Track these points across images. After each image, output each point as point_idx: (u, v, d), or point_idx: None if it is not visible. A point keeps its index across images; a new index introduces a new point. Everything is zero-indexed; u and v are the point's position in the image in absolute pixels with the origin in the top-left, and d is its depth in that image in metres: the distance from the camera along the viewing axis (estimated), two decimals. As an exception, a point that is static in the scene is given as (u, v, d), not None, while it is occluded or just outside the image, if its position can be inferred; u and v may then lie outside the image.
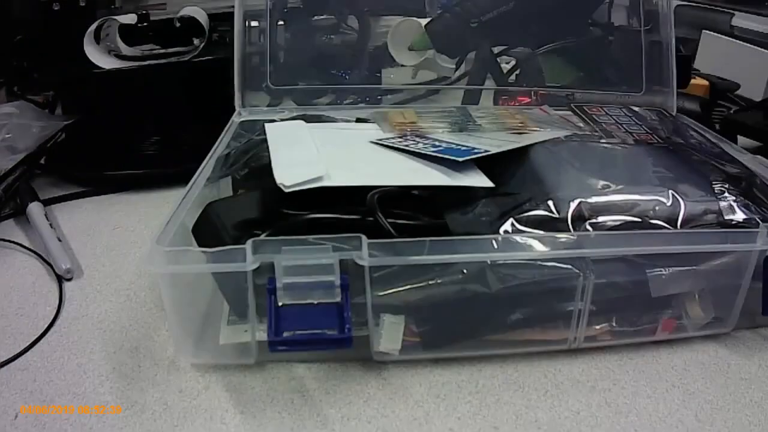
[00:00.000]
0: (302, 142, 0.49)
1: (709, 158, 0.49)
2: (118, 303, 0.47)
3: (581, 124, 0.55)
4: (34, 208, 0.58)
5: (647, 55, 0.64)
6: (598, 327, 0.41)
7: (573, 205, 0.41)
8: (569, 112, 0.59)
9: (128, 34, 0.71)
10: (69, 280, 0.50)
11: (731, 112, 0.75)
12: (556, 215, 0.40)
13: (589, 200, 0.41)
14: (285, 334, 0.35)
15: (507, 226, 0.40)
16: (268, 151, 0.46)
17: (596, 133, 0.53)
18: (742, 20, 0.89)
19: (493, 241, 0.37)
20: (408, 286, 0.38)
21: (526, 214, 0.40)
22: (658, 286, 0.40)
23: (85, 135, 0.73)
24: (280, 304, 0.35)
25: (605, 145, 0.50)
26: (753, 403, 0.38)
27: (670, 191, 0.42)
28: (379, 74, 0.69)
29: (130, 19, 0.70)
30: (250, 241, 0.35)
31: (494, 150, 0.46)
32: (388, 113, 0.57)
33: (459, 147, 0.47)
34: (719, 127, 0.69)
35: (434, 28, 0.66)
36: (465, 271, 0.38)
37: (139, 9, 0.73)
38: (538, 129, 0.53)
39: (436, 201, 0.43)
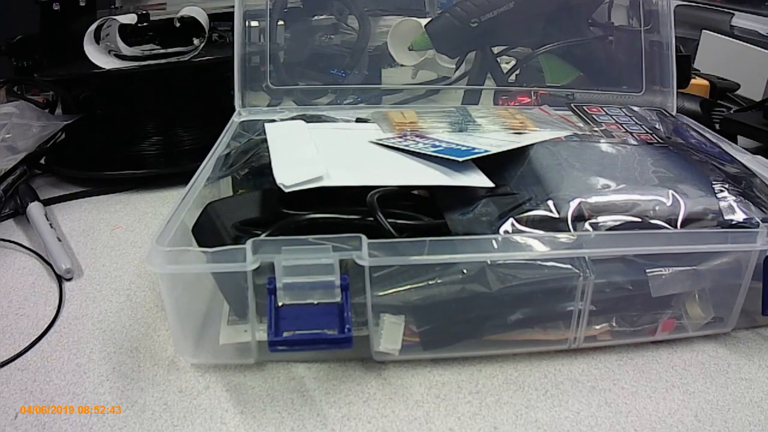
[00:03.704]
0: (302, 142, 0.49)
1: (709, 158, 0.49)
2: (118, 303, 0.47)
3: (581, 124, 0.55)
4: (34, 208, 0.58)
5: (647, 55, 0.64)
6: (598, 327, 0.41)
7: (573, 205, 0.40)
8: (569, 112, 0.59)
9: (128, 34, 0.71)
10: (69, 280, 0.50)
11: (731, 112, 0.75)
12: (556, 215, 0.40)
13: (589, 200, 0.41)
14: (285, 334, 0.35)
15: (507, 226, 0.40)
16: (268, 151, 0.46)
17: (596, 133, 0.53)
18: (742, 20, 0.89)
19: (493, 241, 0.37)
20: (408, 286, 0.38)
21: (526, 214, 0.40)
22: (658, 286, 0.40)
23: (85, 135, 0.73)
24: (280, 304, 0.35)
25: (605, 145, 0.50)
26: (753, 403, 0.38)
27: (670, 191, 0.42)
28: (379, 74, 0.70)
29: (130, 19, 0.70)
30: (250, 241, 0.35)
31: (494, 150, 0.46)
32: (388, 113, 0.57)
33: (459, 147, 0.47)
34: (719, 127, 0.69)
35: (434, 28, 0.66)
36: (465, 271, 0.38)
37: (139, 9, 0.74)
38: (538, 129, 0.53)
39: (436, 201, 0.43)
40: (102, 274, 0.51)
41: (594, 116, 0.57)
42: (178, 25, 0.72)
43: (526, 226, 0.40)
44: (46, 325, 0.44)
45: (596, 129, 0.54)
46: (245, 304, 0.37)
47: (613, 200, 0.41)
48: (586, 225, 0.40)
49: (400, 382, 0.39)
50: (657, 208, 0.41)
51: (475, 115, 0.57)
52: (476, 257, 0.37)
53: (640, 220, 0.41)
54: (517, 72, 0.68)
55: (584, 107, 0.59)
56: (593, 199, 0.41)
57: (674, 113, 0.62)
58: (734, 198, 0.43)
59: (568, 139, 0.50)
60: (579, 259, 0.38)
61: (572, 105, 0.60)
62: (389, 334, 0.38)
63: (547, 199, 0.41)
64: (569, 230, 0.40)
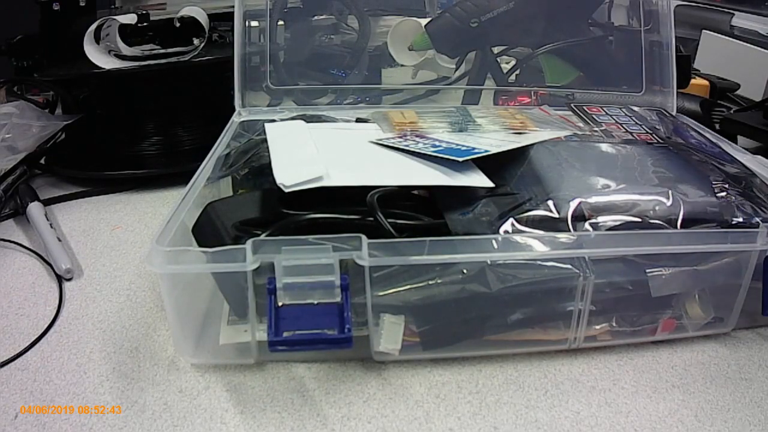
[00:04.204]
0: (302, 142, 0.49)
1: (709, 158, 0.49)
2: (118, 303, 0.47)
3: (581, 124, 0.55)
4: (34, 208, 0.58)
5: (647, 55, 0.64)
6: (598, 327, 0.41)
7: (573, 205, 0.40)
8: (569, 112, 0.59)
9: (128, 34, 0.71)
10: (69, 280, 0.50)
11: (731, 112, 0.75)
12: (556, 215, 0.40)
13: (589, 200, 0.41)
14: (285, 334, 0.35)
15: (507, 226, 0.40)
16: (268, 151, 0.46)
17: (596, 133, 0.53)
18: (742, 20, 0.89)
19: (493, 241, 0.37)
20: (408, 286, 0.38)
21: (526, 214, 0.40)
22: (658, 286, 0.40)
23: (85, 135, 0.73)
24: (280, 304, 0.35)
25: (605, 145, 0.50)
26: (753, 403, 0.38)
27: (670, 191, 0.42)
28: (379, 74, 0.70)
29: (130, 19, 0.70)
30: (250, 241, 0.35)
31: (494, 150, 0.46)
32: (388, 113, 0.57)
33: (459, 147, 0.47)
34: (719, 127, 0.69)
35: (434, 28, 0.66)
36: (465, 270, 0.38)
37: (139, 9, 0.74)
38: (538, 129, 0.53)
39: (436, 201, 0.43)
40: (102, 274, 0.51)
41: (594, 116, 0.57)
42: (178, 25, 0.72)
43: (526, 226, 0.40)
44: (46, 325, 0.44)
45: (596, 129, 0.54)
46: (245, 304, 0.37)
47: (613, 200, 0.41)
48: (586, 225, 0.40)
49: (400, 382, 0.39)
50: (657, 208, 0.41)
51: (475, 115, 0.57)
52: (476, 257, 0.37)
53: (639, 220, 0.41)
54: (517, 72, 0.68)
55: (584, 107, 0.59)
56: (593, 199, 0.41)
57: (674, 113, 0.62)
58: (734, 198, 0.43)
59: (568, 139, 0.50)
60: (579, 259, 0.38)
61: (572, 105, 0.60)
62: (389, 334, 0.38)
63: (547, 199, 0.41)
64: (569, 230, 0.40)
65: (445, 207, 0.42)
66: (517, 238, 0.38)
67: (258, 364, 0.40)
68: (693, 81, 0.75)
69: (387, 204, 0.40)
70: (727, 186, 0.44)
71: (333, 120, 0.58)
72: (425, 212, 0.42)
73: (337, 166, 0.44)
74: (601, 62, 0.67)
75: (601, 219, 0.40)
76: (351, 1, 0.69)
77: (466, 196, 0.43)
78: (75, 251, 0.54)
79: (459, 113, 0.58)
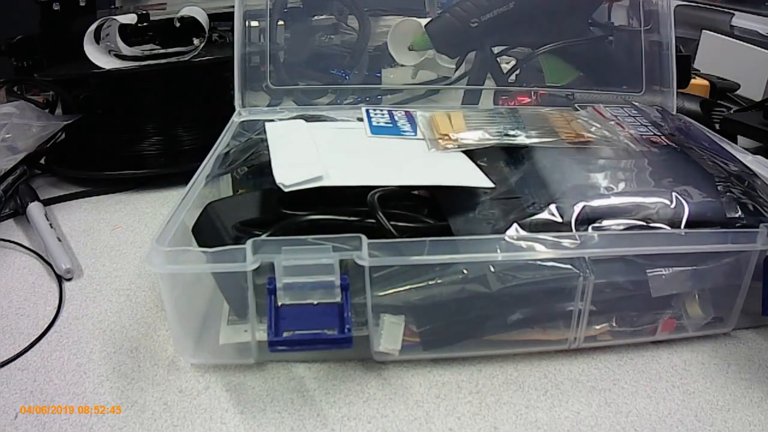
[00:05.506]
0: (302, 141, 0.49)
1: (712, 157, 0.49)
2: (118, 303, 0.47)
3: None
4: (34, 208, 0.59)
5: (647, 55, 0.64)
6: (598, 327, 0.41)
7: (577, 210, 0.40)
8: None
9: (128, 34, 0.71)
10: (69, 280, 0.50)
11: (731, 112, 0.75)
12: (560, 220, 0.40)
13: (592, 203, 0.41)
14: (285, 334, 0.35)
15: (511, 231, 0.39)
16: (268, 151, 0.46)
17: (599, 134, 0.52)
18: (742, 20, 0.89)
19: (494, 243, 0.37)
20: (408, 286, 0.38)
21: (529, 219, 0.40)
22: (658, 286, 0.40)
23: (85, 135, 0.73)
24: (280, 304, 0.35)
25: (609, 146, 0.49)
26: (753, 403, 0.38)
27: (674, 193, 0.42)
28: (379, 74, 0.70)
29: (130, 19, 0.71)
30: (250, 241, 0.35)
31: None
32: (434, 118, 0.53)
33: None
34: (719, 127, 0.69)
35: (434, 28, 0.65)
36: (465, 271, 0.38)
37: (139, 9, 0.74)
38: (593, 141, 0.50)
39: (439, 203, 0.43)
40: (102, 274, 0.51)
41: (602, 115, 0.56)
42: (178, 25, 0.72)
43: (529, 231, 0.39)
44: (46, 325, 0.44)
45: (602, 129, 0.53)
46: (245, 304, 0.37)
47: (617, 203, 0.41)
48: (590, 229, 0.40)
49: (400, 382, 0.39)
50: (660, 210, 0.41)
51: (525, 122, 0.53)
52: (477, 257, 0.37)
53: (644, 224, 0.40)
54: (517, 72, 0.68)
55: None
56: (596, 203, 0.41)
57: (674, 113, 0.62)
58: (736, 198, 0.42)
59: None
60: (579, 259, 0.38)
61: (575, 105, 0.59)
62: (389, 334, 0.38)
63: (551, 203, 0.41)
64: (573, 234, 0.39)
65: (447, 209, 0.42)
66: (519, 239, 0.38)
67: (258, 364, 0.40)
68: (693, 81, 0.75)
69: (387, 204, 0.40)
70: (729, 186, 0.43)
71: (333, 120, 0.58)
72: (426, 212, 0.42)
73: (337, 165, 0.44)
74: (601, 62, 0.67)
75: (605, 223, 0.40)
76: (351, 1, 0.69)
77: (469, 198, 0.43)
78: (75, 251, 0.54)
79: (508, 115, 0.55)
